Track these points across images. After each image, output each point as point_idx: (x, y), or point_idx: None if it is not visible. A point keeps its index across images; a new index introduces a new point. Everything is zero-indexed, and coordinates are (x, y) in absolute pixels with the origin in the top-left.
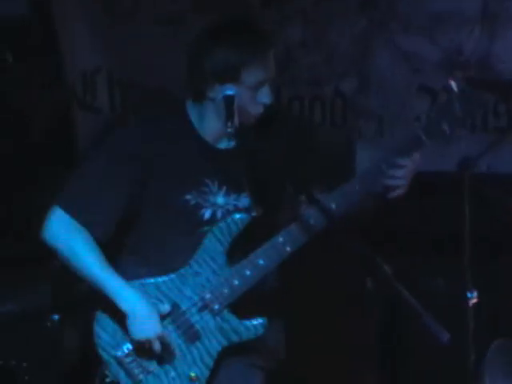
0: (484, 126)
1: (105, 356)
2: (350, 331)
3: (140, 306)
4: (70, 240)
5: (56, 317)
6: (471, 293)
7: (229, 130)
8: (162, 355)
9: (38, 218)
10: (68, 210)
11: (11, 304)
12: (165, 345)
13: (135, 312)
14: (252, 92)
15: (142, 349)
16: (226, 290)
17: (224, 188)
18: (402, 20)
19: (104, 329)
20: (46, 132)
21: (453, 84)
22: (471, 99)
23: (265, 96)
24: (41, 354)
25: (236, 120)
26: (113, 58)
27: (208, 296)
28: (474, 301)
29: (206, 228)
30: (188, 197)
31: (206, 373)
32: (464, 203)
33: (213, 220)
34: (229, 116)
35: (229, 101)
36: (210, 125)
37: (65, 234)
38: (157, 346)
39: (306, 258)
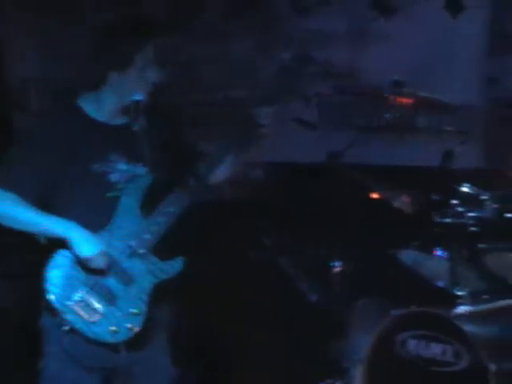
0: (348, 125)
1: (60, 307)
2: (244, 297)
3: (81, 229)
4: (3, 204)
5: None
6: (336, 262)
7: (135, 127)
8: (109, 292)
9: None
10: None
11: None
12: (109, 263)
13: (79, 234)
14: (142, 72)
15: (91, 271)
16: (146, 236)
17: (124, 159)
18: (284, 38)
19: (54, 284)
20: None
21: None
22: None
23: (153, 75)
24: None
25: (141, 119)
26: (46, 68)
27: (133, 243)
28: (338, 269)
29: (113, 192)
30: (96, 166)
31: (145, 308)
32: (333, 187)
33: (118, 182)
34: (136, 115)
35: (137, 104)
36: (108, 106)
37: None
38: (103, 262)
39: (201, 232)
